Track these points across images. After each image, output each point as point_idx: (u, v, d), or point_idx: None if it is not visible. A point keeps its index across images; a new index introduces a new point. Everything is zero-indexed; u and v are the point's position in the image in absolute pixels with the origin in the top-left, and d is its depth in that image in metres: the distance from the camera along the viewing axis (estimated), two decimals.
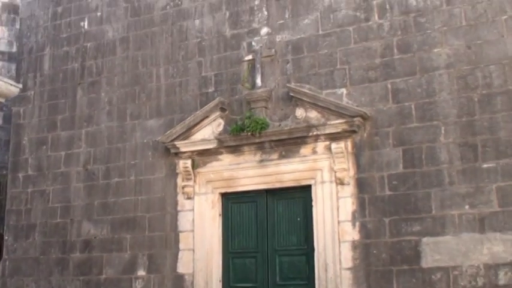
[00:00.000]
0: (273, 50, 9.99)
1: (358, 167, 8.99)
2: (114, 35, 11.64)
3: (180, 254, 10.05)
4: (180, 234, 10.11)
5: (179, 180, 10.27)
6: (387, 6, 9.29)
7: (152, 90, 10.95)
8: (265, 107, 9.74)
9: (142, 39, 11.31)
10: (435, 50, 8.80)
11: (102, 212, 10.86)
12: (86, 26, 12.00)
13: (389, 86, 9.01)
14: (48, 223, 11.36)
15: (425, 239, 8.38)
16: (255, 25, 10.32)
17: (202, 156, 10.07)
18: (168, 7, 11.20)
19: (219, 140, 9.86)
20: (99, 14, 11.93)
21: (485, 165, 8.17)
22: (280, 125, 9.50)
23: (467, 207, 8.18)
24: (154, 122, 10.77)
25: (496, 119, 8.22)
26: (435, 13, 8.92)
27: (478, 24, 8.61)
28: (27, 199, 11.69)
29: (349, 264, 8.81)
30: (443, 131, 8.52)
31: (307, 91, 9.43)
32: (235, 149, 9.83)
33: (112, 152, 11.02)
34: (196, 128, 10.11)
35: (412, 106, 8.77)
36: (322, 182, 9.16)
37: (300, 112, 9.39)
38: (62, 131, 11.68)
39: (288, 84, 9.67)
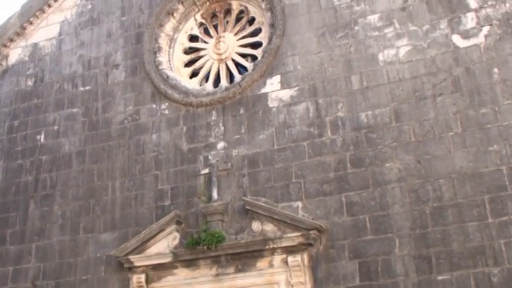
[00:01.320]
0: (229, 164, 10.14)
1: (315, 280, 8.93)
2: (70, 148, 11.64)
3: None
4: None
5: None
6: (339, 123, 9.66)
7: (107, 203, 10.84)
8: (222, 220, 9.74)
9: (98, 153, 11.35)
10: (387, 165, 9.10)
11: None
12: (42, 140, 12.00)
13: (343, 199, 9.18)
14: None
15: None
16: (211, 139, 10.52)
17: (157, 270, 9.85)
18: (125, 121, 11.36)
19: (175, 254, 9.71)
20: (56, 127, 11.98)
21: (440, 277, 8.25)
22: (236, 238, 9.47)
23: None
24: (108, 236, 10.57)
25: (449, 231, 8.40)
26: (385, 129, 9.30)
27: (426, 140, 9.00)
28: None
29: None
30: (397, 244, 8.63)
31: (263, 204, 9.50)
32: (190, 263, 9.67)
33: (63, 267, 10.67)
34: (151, 241, 9.95)
35: (367, 219, 8.92)
36: None
37: (256, 225, 9.41)
38: (11, 245, 11.30)
39: (244, 198, 9.75)
